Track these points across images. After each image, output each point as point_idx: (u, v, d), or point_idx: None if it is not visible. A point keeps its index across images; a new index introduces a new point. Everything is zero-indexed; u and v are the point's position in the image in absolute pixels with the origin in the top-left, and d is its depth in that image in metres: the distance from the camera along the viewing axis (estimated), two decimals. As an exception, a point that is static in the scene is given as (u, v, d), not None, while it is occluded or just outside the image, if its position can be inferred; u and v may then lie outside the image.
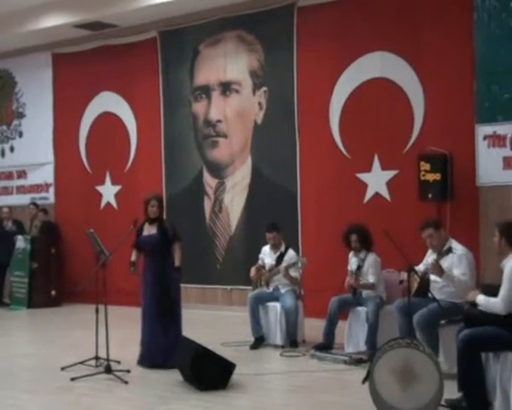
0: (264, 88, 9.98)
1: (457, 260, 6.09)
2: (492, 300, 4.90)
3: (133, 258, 7.07)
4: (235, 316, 9.33)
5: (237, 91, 10.26)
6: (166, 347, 6.65)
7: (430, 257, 6.33)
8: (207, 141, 10.53)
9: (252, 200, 10.11)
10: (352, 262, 7.31)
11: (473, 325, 4.95)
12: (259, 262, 8.03)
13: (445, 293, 6.10)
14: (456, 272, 6.06)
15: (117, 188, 11.46)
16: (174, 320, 6.84)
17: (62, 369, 6.64)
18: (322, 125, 9.33)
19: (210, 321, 9.48)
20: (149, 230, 7.00)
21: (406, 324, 6.11)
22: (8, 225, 12.04)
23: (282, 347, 7.50)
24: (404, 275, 5.93)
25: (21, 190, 12.66)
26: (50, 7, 10.97)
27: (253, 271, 7.94)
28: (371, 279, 7.14)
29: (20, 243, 11.56)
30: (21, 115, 12.72)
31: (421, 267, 6.33)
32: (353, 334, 7.14)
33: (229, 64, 10.29)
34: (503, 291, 4.86)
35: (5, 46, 12.21)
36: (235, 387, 5.97)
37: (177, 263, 6.92)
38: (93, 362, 6.63)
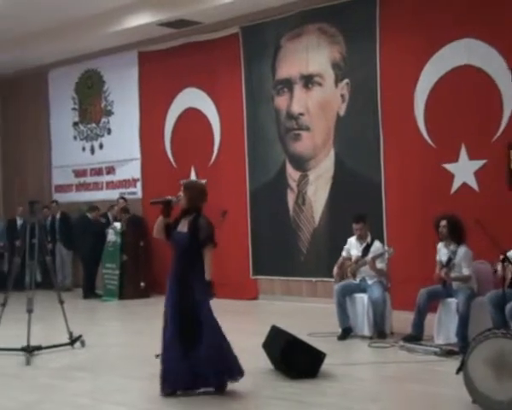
0: (347, 80, 9.96)
1: None
2: None
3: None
4: (320, 308, 9.38)
5: (319, 84, 10.28)
6: (189, 369, 5.50)
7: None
8: (290, 134, 10.60)
9: (335, 192, 10.12)
10: (442, 254, 7.23)
11: None
12: (341, 258, 7.99)
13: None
14: None
15: (202, 182, 11.65)
16: (198, 342, 5.47)
17: (157, 356, 6.86)
18: (407, 115, 9.24)
19: (295, 313, 9.55)
20: (182, 226, 5.57)
21: (499, 315, 6.02)
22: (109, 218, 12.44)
23: (370, 338, 7.49)
24: (499, 265, 5.83)
25: (110, 185, 13.09)
26: (135, 7, 11.30)
27: (335, 271, 7.95)
28: (466, 272, 7.04)
29: (111, 236, 11.96)
30: (109, 113, 13.14)
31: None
32: (443, 325, 7.07)
33: (311, 57, 10.32)
34: None
35: (93, 46, 12.64)
36: (325, 376, 6.03)
37: (207, 276, 5.45)
38: (185, 351, 6.83)
